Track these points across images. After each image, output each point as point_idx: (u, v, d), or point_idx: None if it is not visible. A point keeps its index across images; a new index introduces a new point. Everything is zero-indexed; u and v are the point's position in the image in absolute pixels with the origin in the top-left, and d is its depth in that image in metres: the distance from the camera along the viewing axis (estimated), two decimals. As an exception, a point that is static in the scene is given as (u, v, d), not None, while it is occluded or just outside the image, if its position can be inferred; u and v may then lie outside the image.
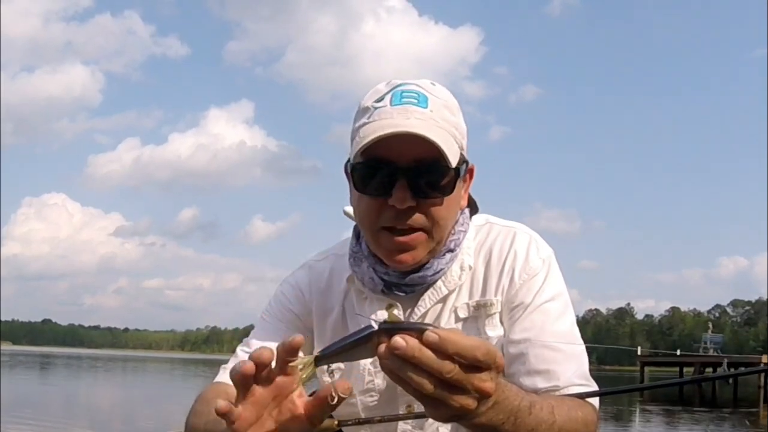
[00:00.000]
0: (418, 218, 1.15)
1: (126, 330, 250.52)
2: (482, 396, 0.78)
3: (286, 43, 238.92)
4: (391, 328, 0.75)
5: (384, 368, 0.75)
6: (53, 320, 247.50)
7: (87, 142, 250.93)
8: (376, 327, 0.76)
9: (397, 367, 0.74)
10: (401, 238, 1.16)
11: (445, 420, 0.82)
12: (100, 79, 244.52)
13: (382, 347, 0.74)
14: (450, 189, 1.16)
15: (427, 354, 0.73)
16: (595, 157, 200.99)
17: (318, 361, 0.80)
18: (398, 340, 0.73)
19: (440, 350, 0.73)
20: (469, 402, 0.78)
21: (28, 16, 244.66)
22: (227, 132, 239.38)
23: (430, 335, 0.73)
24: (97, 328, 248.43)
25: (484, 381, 0.77)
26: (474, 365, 0.75)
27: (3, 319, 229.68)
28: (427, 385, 0.74)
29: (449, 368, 0.74)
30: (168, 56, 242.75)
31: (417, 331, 0.74)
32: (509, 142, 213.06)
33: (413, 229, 1.16)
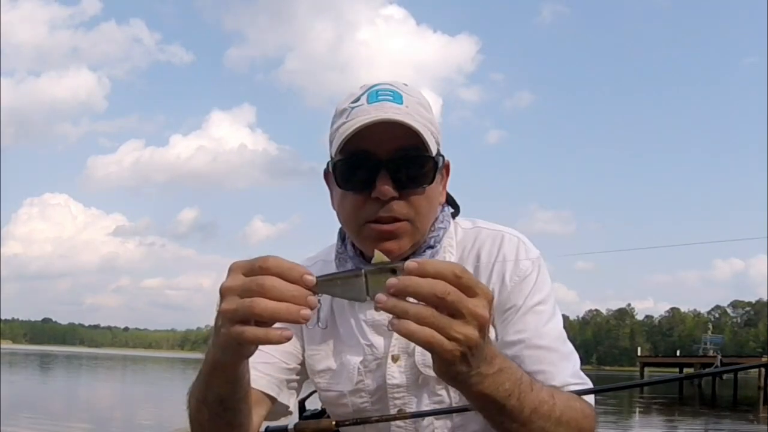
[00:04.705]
0: (401, 208, 1.16)
1: (126, 329, 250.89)
2: (480, 325, 0.81)
3: (285, 51, 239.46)
4: (378, 268, 0.82)
5: (385, 308, 0.79)
6: (53, 319, 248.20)
7: (90, 145, 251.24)
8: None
9: (393, 304, 0.78)
10: (385, 227, 1.16)
11: (451, 375, 0.84)
12: (106, 84, 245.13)
13: (381, 296, 0.78)
14: (431, 178, 1.18)
15: (416, 280, 0.78)
16: (590, 160, 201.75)
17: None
18: (391, 280, 0.78)
19: (423, 274, 0.78)
20: (471, 331, 0.80)
21: (36, 23, 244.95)
22: (229, 135, 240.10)
23: (410, 264, 0.79)
24: (97, 327, 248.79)
25: (478, 307, 0.80)
26: (465, 290, 0.79)
27: (3, 317, 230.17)
28: (425, 311, 0.78)
29: (442, 287, 0.78)
30: (172, 63, 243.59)
31: (400, 266, 0.80)
32: (505, 145, 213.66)
33: (397, 220, 1.17)
